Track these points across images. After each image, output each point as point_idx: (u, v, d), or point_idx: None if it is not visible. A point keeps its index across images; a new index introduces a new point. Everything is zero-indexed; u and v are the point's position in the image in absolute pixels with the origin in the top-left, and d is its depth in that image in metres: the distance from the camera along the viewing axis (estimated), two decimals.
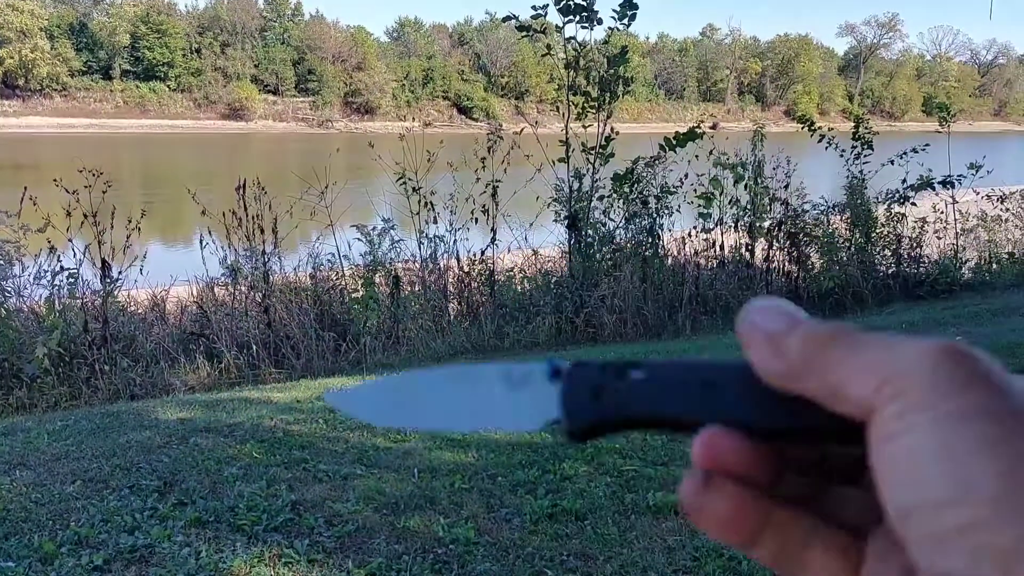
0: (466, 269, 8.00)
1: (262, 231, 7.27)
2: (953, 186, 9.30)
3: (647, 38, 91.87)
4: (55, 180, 6.59)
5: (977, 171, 9.19)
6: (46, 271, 6.42)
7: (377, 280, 7.57)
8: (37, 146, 44.98)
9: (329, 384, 5.33)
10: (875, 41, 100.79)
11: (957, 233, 9.64)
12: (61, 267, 6.41)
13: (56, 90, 61.74)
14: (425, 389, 0.37)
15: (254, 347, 6.61)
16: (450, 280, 8.03)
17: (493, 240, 8.02)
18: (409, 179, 8.05)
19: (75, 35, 63.91)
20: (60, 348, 5.92)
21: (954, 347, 0.29)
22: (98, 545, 2.79)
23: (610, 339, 7.29)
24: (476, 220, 8.12)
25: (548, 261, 8.40)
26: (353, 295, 7.47)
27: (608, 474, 3.44)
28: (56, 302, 6.33)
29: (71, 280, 6.41)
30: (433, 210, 8.11)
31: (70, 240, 6.56)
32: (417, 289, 7.84)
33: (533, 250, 8.40)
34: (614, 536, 2.91)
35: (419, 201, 8.05)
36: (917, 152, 9.05)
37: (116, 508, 3.06)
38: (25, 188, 6.55)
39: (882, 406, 0.29)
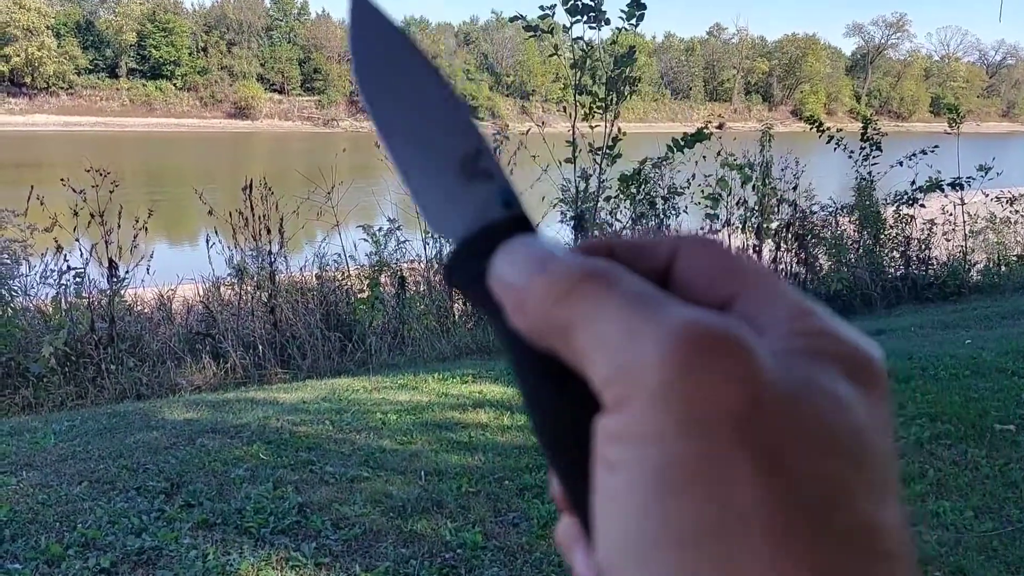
0: None
1: (268, 231, 7.26)
2: (962, 188, 9.25)
3: (653, 37, 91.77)
4: (62, 180, 6.60)
5: (986, 173, 9.14)
6: (53, 270, 6.43)
7: (383, 280, 7.56)
8: (43, 144, 45.10)
9: (335, 384, 5.32)
10: (883, 41, 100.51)
11: (966, 235, 9.59)
12: (68, 266, 6.42)
13: (62, 88, 61.90)
14: (416, 81, 0.32)
15: (260, 347, 6.61)
16: None
17: None
18: None
19: (81, 33, 64.06)
20: (66, 347, 5.92)
21: (713, 340, 0.22)
22: (105, 547, 2.78)
23: None
24: None
25: None
26: (359, 295, 7.46)
27: None
28: (63, 301, 6.33)
29: (78, 279, 6.41)
30: None
31: (77, 239, 6.56)
32: (422, 289, 7.83)
33: None
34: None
35: None
36: (927, 153, 9.01)
37: (123, 510, 3.05)
38: (32, 187, 6.56)
39: (604, 410, 0.24)
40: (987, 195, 9.72)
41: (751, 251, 8.75)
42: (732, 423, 0.21)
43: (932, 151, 9.01)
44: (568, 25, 7.82)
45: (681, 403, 0.22)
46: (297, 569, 2.69)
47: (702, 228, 8.63)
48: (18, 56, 58.77)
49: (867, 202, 9.08)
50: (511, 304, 0.27)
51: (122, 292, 6.64)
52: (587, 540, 0.26)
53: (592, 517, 0.24)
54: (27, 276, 6.49)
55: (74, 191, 6.55)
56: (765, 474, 0.21)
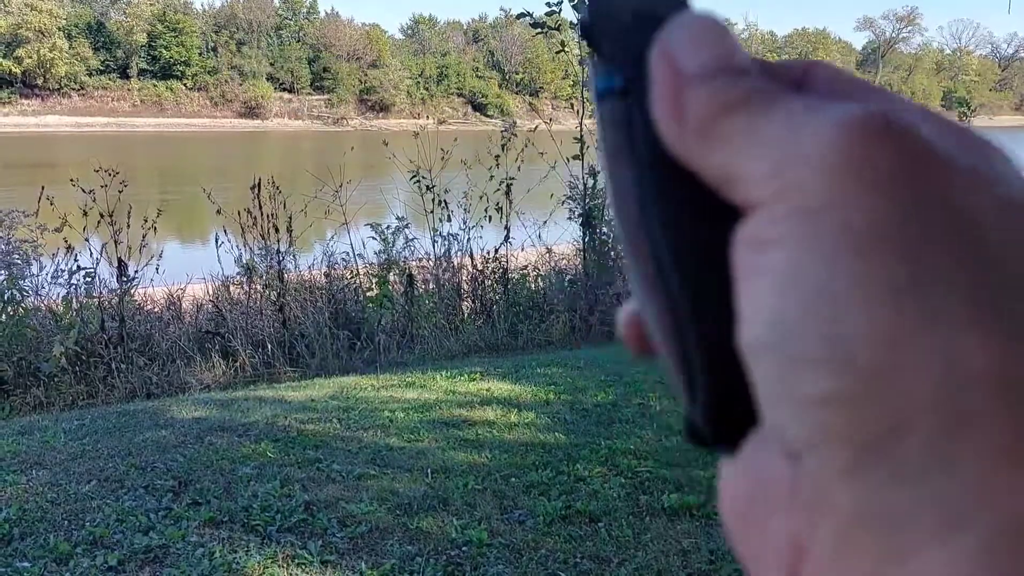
0: (480, 267, 7.99)
1: (277, 230, 7.29)
2: None
3: None
4: (72, 180, 6.64)
5: None
6: (63, 270, 6.47)
7: (391, 278, 7.57)
8: (56, 145, 45.40)
9: (344, 382, 5.33)
10: (894, 35, 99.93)
11: None
12: (78, 266, 6.46)
13: (74, 89, 62.30)
14: None
15: (269, 345, 6.63)
16: (464, 278, 8.02)
17: (507, 238, 8.00)
18: (423, 177, 8.04)
19: (92, 34, 64.44)
20: (77, 347, 5.96)
21: (883, 122, 0.21)
22: (113, 545, 2.80)
23: None
24: (490, 218, 8.10)
25: (562, 259, 8.37)
26: (367, 294, 7.48)
27: (622, 475, 3.42)
28: (73, 301, 6.37)
29: (88, 279, 6.45)
30: (447, 208, 8.10)
31: (87, 239, 6.60)
32: (431, 287, 7.84)
33: (547, 248, 8.37)
34: (628, 538, 2.89)
35: (433, 199, 8.04)
36: None
37: (131, 508, 3.07)
38: (43, 188, 6.60)
39: (764, 202, 0.21)
40: None
41: None
42: (914, 183, 0.20)
43: None
44: (575, 21, 7.81)
45: (860, 171, 0.20)
46: (303, 567, 2.70)
47: None
48: (30, 58, 59.18)
49: None
50: (667, 94, 0.23)
51: (132, 291, 6.68)
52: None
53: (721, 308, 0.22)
54: (38, 276, 6.54)
55: (84, 191, 6.59)
56: (957, 233, 0.20)
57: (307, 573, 2.66)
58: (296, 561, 2.72)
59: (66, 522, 2.97)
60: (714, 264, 0.23)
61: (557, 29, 7.97)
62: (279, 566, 2.69)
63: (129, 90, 64.42)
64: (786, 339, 0.20)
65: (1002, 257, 0.20)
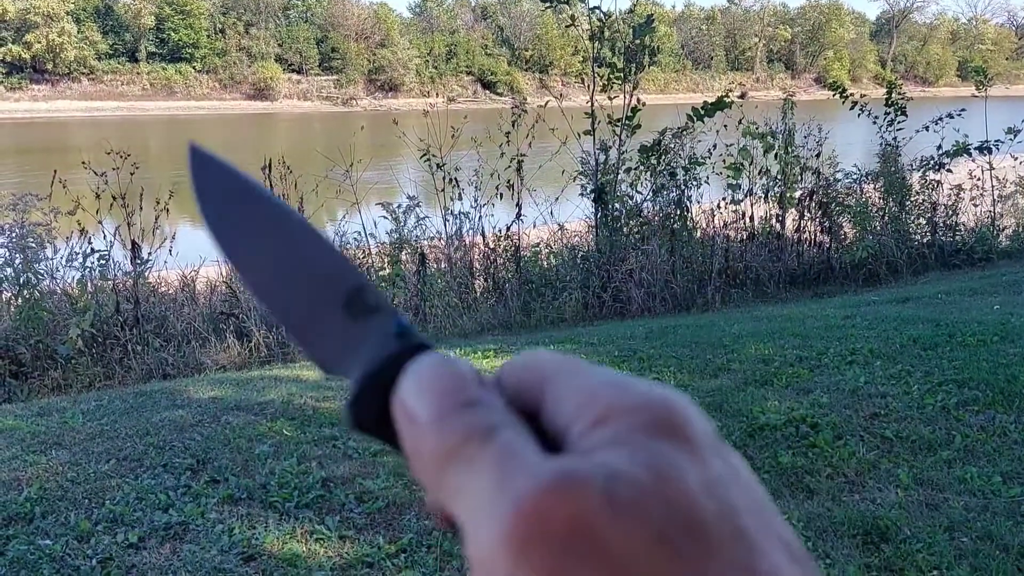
0: (492, 245, 7.97)
1: None
2: (990, 152, 9.06)
3: (673, 7, 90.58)
4: (83, 163, 6.65)
5: (1015, 136, 8.94)
6: (77, 253, 6.51)
7: (403, 258, 7.57)
8: (67, 130, 45.52)
9: None
10: (908, 4, 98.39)
11: (994, 200, 9.41)
12: (92, 249, 6.49)
13: (84, 74, 62.31)
14: (275, 233, 0.31)
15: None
16: (476, 257, 8.01)
17: (518, 215, 7.97)
18: (433, 156, 8.01)
19: (101, 18, 64.32)
20: (93, 329, 6.00)
21: (548, 507, 0.23)
22: (133, 523, 2.83)
23: (638, 314, 7.24)
24: (501, 196, 8.07)
25: (574, 236, 8.34)
26: (380, 273, 7.48)
27: None
28: (88, 284, 6.41)
29: (102, 262, 6.48)
30: (458, 186, 8.07)
31: (100, 222, 6.63)
32: (443, 266, 7.84)
33: (559, 225, 8.34)
34: None
35: (444, 178, 8.02)
36: (952, 118, 8.81)
37: (150, 486, 3.10)
38: (55, 171, 6.62)
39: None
40: (1016, 159, 9.51)
41: (774, 220, 8.65)
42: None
43: (959, 115, 8.82)
44: None
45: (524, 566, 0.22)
46: (321, 542, 2.71)
47: (724, 198, 8.54)
48: (39, 43, 59.18)
49: (892, 168, 8.92)
50: (409, 446, 0.27)
51: (146, 274, 6.71)
52: None
53: None
54: (52, 259, 6.58)
55: (96, 174, 6.60)
56: None
57: (325, 548, 2.68)
58: (314, 537, 2.74)
59: (86, 500, 3.00)
60: None
61: (567, 3, 7.88)
62: (297, 542, 2.71)
63: (139, 74, 64.36)
64: None
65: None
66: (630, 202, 8.05)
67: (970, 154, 8.95)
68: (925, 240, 8.84)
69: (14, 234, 6.33)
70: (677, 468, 0.23)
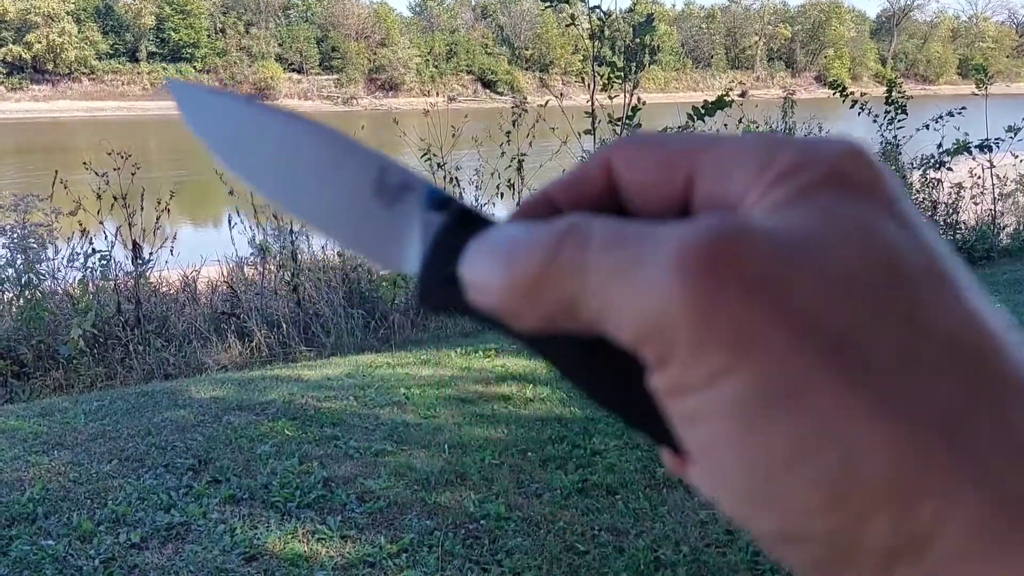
0: None
1: None
2: (990, 150, 9.06)
3: (673, 5, 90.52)
4: (84, 163, 6.66)
5: (1016, 134, 8.94)
6: (78, 254, 6.51)
7: None
8: (68, 130, 45.53)
9: (359, 361, 5.35)
10: (908, 3, 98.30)
11: (995, 198, 9.40)
12: (93, 249, 6.49)
13: (84, 74, 62.33)
14: (279, 138, 0.30)
15: (284, 325, 6.66)
16: None
17: None
18: (434, 155, 8.01)
19: (101, 18, 64.34)
20: (94, 329, 6.01)
21: (700, 255, 0.20)
22: (135, 523, 2.84)
23: None
24: (502, 195, 8.07)
25: None
26: (381, 272, 7.48)
27: (639, 448, 3.42)
28: (89, 284, 6.41)
29: (103, 262, 6.49)
30: (459, 185, 8.08)
31: (101, 223, 6.64)
32: None
33: None
34: (646, 510, 2.89)
35: (445, 177, 8.02)
36: (953, 116, 8.81)
37: (152, 486, 3.11)
38: (56, 172, 6.63)
39: (653, 367, 0.22)
40: (1016, 157, 9.51)
41: None
42: (777, 322, 0.20)
43: (959, 113, 8.81)
44: None
45: (719, 334, 0.20)
46: (323, 542, 2.72)
47: None
48: (39, 43, 59.19)
49: (892, 167, 8.91)
50: (503, 313, 0.25)
51: (147, 274, 6.71)
52: None
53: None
54: (53, 260, 6.58)
55: (97, 174, 6.61)
56: (829, 352, 0.20)
57: (327, 548, 2.69)
58: (316, 536, 2.75)
59: (88, 501, 3.00)
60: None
61: (567, 2, 7.88)
62: (299, 541, 2.71)
63: (139, 74, 64.38)
64: (751, 519, 0.21)
65: (883, 350, 0.20)
66: None
67: (970, 152, 8.95)
68: None
69: (16, 235, 6.33)
70: (875, 221, 0.21)
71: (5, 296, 6.34)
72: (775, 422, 0.20)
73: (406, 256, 0.29)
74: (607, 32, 7.89)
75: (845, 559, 0.20)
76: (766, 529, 0.21)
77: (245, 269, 7.33)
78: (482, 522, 2.84)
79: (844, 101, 9.02)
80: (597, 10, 7.82)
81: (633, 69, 7.85)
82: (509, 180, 8.02)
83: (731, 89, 8.27)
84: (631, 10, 8.27)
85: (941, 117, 8.82)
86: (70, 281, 6.61)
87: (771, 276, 0.20)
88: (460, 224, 0.28)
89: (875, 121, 8.95)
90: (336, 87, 69.27)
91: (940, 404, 0.20)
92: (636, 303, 0.21)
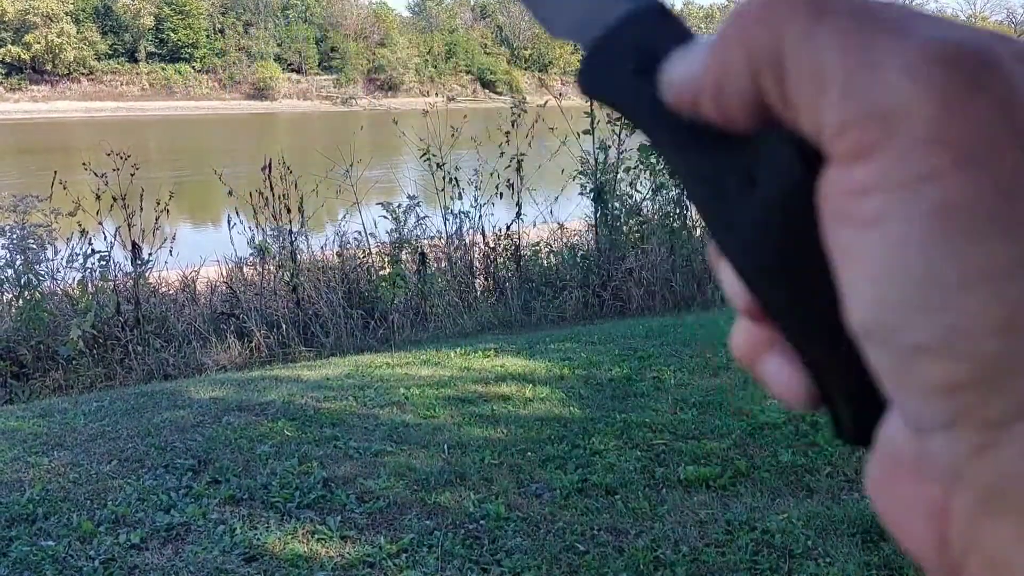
0: (492, 244, 7.98)
1: (289, 210, 7.29)
2: None
3: (672, 5, 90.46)
4: (84, 164, 6.67)
5: None
6: (78, 254, 6.51)
7: (404, 257, 7.58)
8: (67, 130, 45.53)
9: (358, 361, 5.36)
10: (907, 2, 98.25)
11: None
12: (92, 250, 6.49)
13: (83, 74, 62.36)
14: None
15: (284, 326, 6.66)
16: (476, 256, 8.01)
17: (518, 215, 7.98)
18: (433, 155, 8.01)
19: (100, 18, 64.36)
20: (94, 330, 6.01)
21: (960, 55, 0.19)
22: (135, 523, 2.84)
23: (638, 312, 7.25)
24: (501, 195, 8.08)
25: (574, 235, 8.34)
26: (380, 273, 7.49)
27: (638, 448, 3.43)
28: (89, 285, 6.41)
29: (103, 263, 6.49)
30: (458, 186, 8.08)
31: (100, 223, 6.64)
32: (443, 266, 7.84)
33: (559, 224, 8.34)
34: (645, 510, 2.90)
35: (444, 177, 8.02)
36: None
37: (152, 487, 3.11)
38: (55, 172, 6.63)
39: (849, 159, 0.20)
40: None
41: None
42: (1017, 149, 0.19)
43: None
44: None
45: (957, 136, 0.19)
46: (323, 542, 2.72)
47: None
48: (39, 43, 59.20)
49: None
50: (703, 99, 0.23)
51: (146, 274, 6.72)
52: (782, 343, 0.24)
53: (813, 302, 0.22)
54: (53, 260, 6.59)
55: (96, 175, 6.61)
56: None
57: (326, 548, 2.69)
58: (316, 537, 2.75)
59: (88, 501, 3.00)
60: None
61: None
62: (299, 542, 2.72)
63: (138, 74, 64.42)
64: (897, 328, 0.20)
65: None
66: (630, 201, 8.06)
67: None
68: None
69: (15, 235, 6.34)
70: None
71: (4, 297, 6.35)
72: (982, 236, 0.19)
73: (580, 23, 0.26)
74: None
75: (993, 384, 0.19)
76: (916, 340, 0.19)
77: (244, 269, 7.33)
78: (482, 522, 2.84)
79: None
80: None
81: None
82: (508, 180, 8.03)
83: None
84: None
85: None
86: (69, 282, 6.61)
87: (1017, 102, 0.19)
88: (661, 15, 0.26)
89: None
90: (335, 87, 69.28)
91: None
92: (868, 81, 0.20)
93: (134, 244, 6.64)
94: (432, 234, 7.98)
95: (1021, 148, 0.19)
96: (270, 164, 7.30)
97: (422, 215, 7.91)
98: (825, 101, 0.20)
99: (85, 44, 61.66)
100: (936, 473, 0.20)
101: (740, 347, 0.26)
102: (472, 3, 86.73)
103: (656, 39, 0.25)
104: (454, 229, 8.00)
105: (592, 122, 7.76)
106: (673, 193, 8.09)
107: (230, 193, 7.34)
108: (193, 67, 66.00)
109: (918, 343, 0.19)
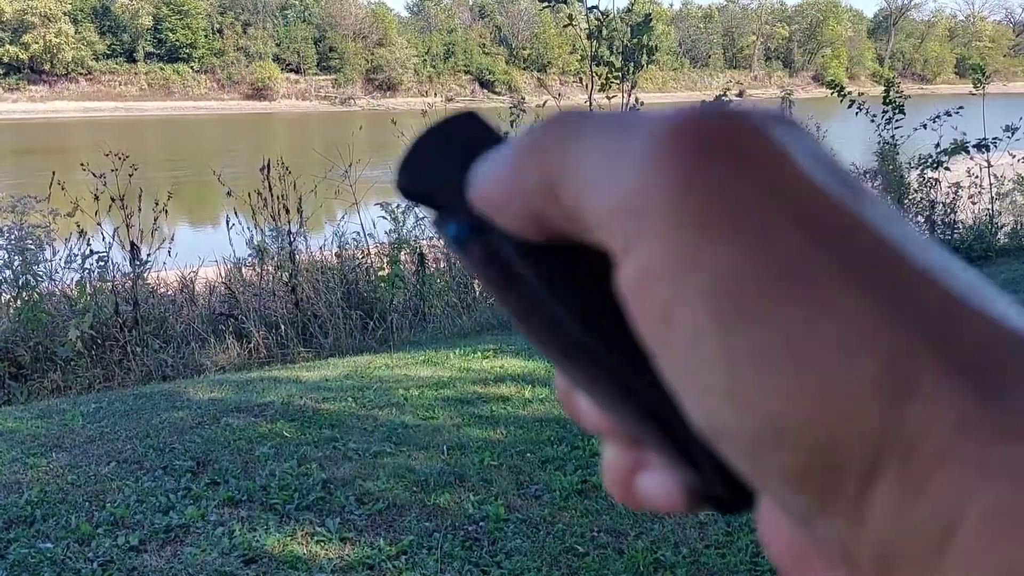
0: None
1: (287, 211, 7.28)
2: (988, 149, 9.07)
3: (671, 5, 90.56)
4: (82, 164, 6.65)
5: (1013, 133, 8.95)
6: (76, 255, 6.50)
7: (402, 258, 7.57)
8: (66, 131, 45.48)
9: (357, 362, 5.35)
10: (906, 2, 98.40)
11: (992, 197, 9.42)
12: (91, 251, 6.48)
13: (81, 74, 62.26)
14: None
15: (282, 326, 6.66)
16: None
17: None
18: None
19: (98, 18, 64.26)
20: (92, 331, 6.00)
21: (693, 127, 0.19)
22: (134, 525, 2.83)
23: None
24: None
25: None
26: (379, 273, 7.48)
27: None
28: (87, 285, 6.40)
29: (101, 263, 6.48)
30: None
31: (99, 224, 6.63)
32: (442, 266, 7.84)
33: None
34: (645, 512, 2.89)
35: None
36: (950, 115, 8.83)
37: (150, 488, 3.10)
38: (53, 173, 6.62)
39: (619, 257, 0.20)
40: (1014, 156, 9.52)
41: None
42: (771, 199, 0.19)
43: (956, 112, 8.83)
44: None
45: (696, 210, 0.18)
46: (322, 544, 2.72)
47: None
48: (37, 43, 59.09)
49: (890, 166, 8.93)
50: (491, 207, 0.23)
51: (145, 275, 6.70)
52: (650, 455, 0.24)
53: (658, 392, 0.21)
54: (51, 261, 6.57)
55: (94, 175, 6.60)
56: (822, 236, 0.18)
57: (326, 550, 2.68)
58: (315, 538, 2.74)
59: (87, 503, 3.00)
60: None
61: (564, 2, 7.88)
62: (298, 543, 2.71)
63: (136, 74, 64.32)
64: (729, 426, 0.19)
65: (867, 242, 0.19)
66: None
67: (968, 152, 8.96)
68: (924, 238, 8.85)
69: (13, 236, 6.32)
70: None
71: (3, 297, 6.33)
72: (766, 309, 0.18)
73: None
74: (605, 32, 7.89)
75: (828, 465, 0.18)
76: (750, 436, 0.19)
77: (243, 270, 7.32)
78: (481, 524, 2.83)
79: (842, 101, 9.03)
80: (595, 10, 7.82)
81: (631, 69, 7.85)
82: None
83: (729, 89, 8.29)
84: (629, 10, 8.27)
85: (939, 117, 8.83)
86: (68, 282, 6.60)
87: (765, 154, 0.19)
88: (474, 117, 0.27)
89: (873, 121, 8.96)
90: (334, 87, 69.23)
91: (931, 306, 0.19)
92: (611, 176, 0.19)
93: (133, 245, 6.63)
94: (431, 235, 7.97)
95: (776, 202, 0.19)
96: (269, 164, 7.29)
97: (421, 216, 7.90)
98: (585, 208, 0.20)
99: (83, 44, 61.54)
100: (836, 557, 0.20)
101: (613, 477, 0.25)
102: (471, 3, 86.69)
103: (471, 139, 0.26)
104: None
105: None
106: None
107: (229, 193, 7.33)
108: (191, 67, 65.89)
109: (754, 439, 0.19)
